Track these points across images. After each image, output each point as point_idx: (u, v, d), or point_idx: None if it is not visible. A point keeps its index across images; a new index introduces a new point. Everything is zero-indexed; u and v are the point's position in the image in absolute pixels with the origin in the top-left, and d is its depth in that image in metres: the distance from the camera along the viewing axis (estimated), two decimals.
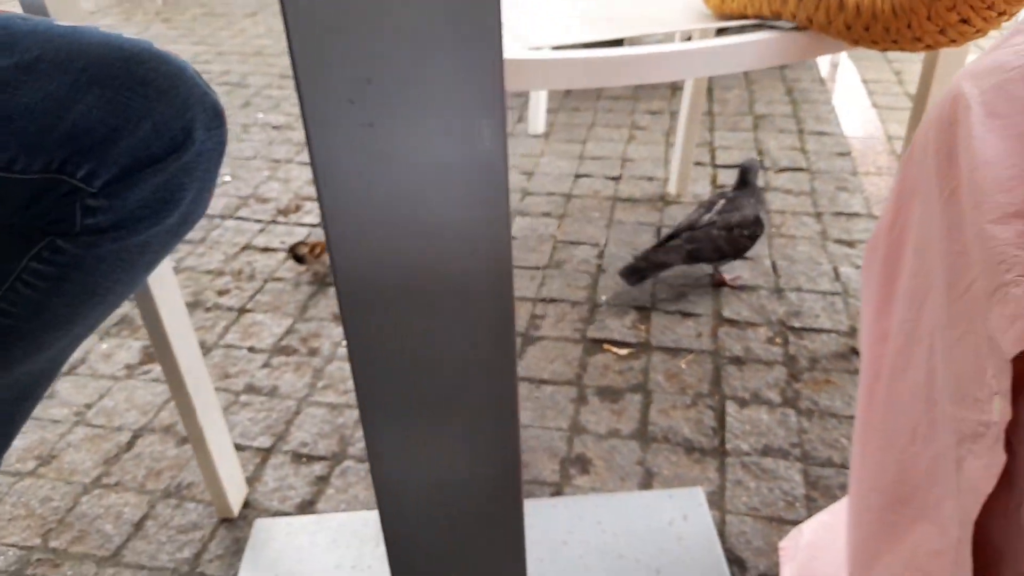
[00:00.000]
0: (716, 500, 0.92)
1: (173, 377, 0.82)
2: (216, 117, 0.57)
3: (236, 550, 0.88)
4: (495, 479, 0.46)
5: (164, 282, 0.77)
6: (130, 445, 1.04)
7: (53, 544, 0.90)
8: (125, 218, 0.54)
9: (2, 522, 0.93)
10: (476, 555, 0.50)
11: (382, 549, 0.86)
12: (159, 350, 0.81)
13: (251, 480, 0.98)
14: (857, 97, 2.08)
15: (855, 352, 1.14)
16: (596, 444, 1.01)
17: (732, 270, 1.34)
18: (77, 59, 0.50)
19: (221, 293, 1.35)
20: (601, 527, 0.87)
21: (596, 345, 1.19)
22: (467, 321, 0.40)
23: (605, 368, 1.14)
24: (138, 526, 0.92)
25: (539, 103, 1.93)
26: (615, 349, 1.18)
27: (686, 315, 1.25)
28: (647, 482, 0.95)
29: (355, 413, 1.08)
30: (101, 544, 0.90)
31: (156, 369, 1.17)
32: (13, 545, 0.90)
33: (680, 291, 1.31)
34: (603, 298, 1.30)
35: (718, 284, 1.31)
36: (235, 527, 0.91)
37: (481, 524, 0.48)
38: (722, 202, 1.29)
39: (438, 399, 0.43)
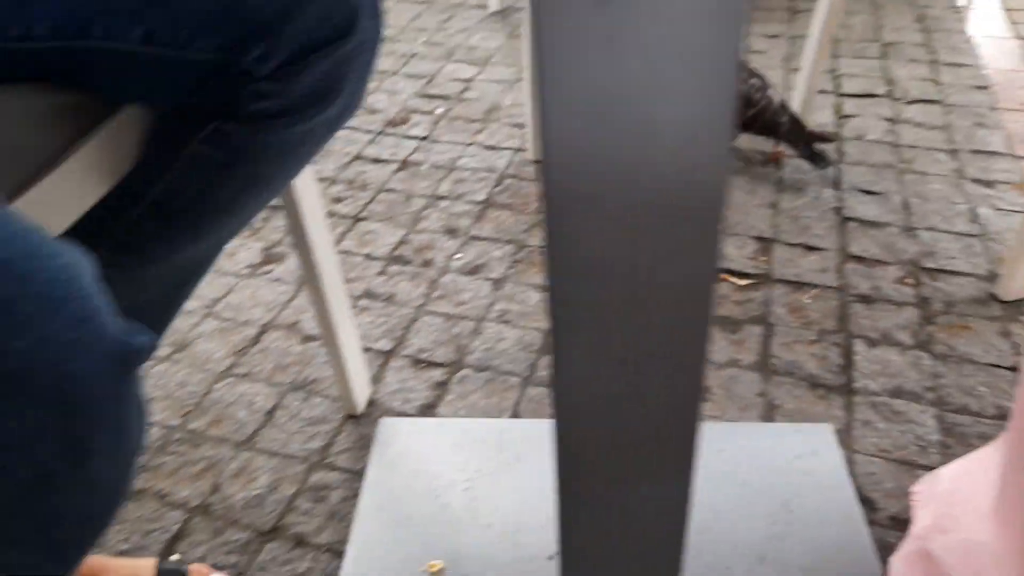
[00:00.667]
0: (843, 439, 0.90)
1: (308, 271, 0.84)
2: (376, 5, 0.55)
3: (362, 445, 0.92)
4: (677, 397, 0.45)
5: (303, 175, 0.77)
6: (257, 339, 1.07)
7: (192, 426, 0.95)
8: (291, 105, 0.54)
9: None
10: (646, 475, 0.49)
11: (505, 456, 0.88)
12: (297, 243, 0.82)
13: (373, 380, 1.00)
14: (997, 27, 1.92)
15: (995, 299, 1.08)
16: (715, 372, 1.00)
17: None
18: None
19: (336, 201, 1.36)
20: (722, 455, 0.87)
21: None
22: (673, 234, 0.38)
23: (723, 298, 1.12)
24: (269, 415, 0.96)
25: None
26: (734, 279, 1.15)
27: (810, 248, 1.20)
28: (768, 414, 0.94)
29: (470, 324, 1.09)
30: (236, 429, 0.94)
31: (276, 269, 1.20)
32: (156, 423, 0.95)
33: (804, 224, 1.25)
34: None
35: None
36: (360, 424, 0.95)
37: (655, 443, 0.47)
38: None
39: (634, 313, 0.42)
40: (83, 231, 0.50)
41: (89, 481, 0.29)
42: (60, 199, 0.47)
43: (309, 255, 0.82)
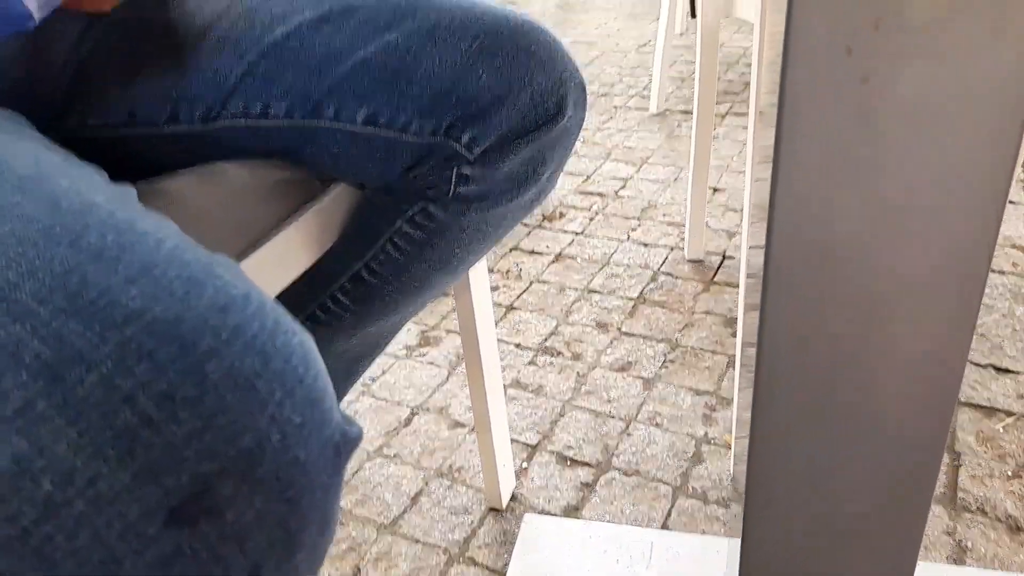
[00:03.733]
0: None
1: (469, 356, 0.84)
2: (582, 93, 0.56)
3: (504, 541, 0.89)
4: (898, 519, 0.40)
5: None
6: (408, 421, 1.09)
7: (340, 503, 0.96)
8: (491, 189, 0.55)
9: None
10: None
11: (656, 570, 0.82)
12: (463, 327, 0.83)
13: (518, 474, 0.98)
14: None
15: None
16: None
17: None
18: (471, 27, 0.52)
19: (492, 289, 1.39)
20: None
21: None
22: (919, 336, 0.35)
23: None
24: (414, 500, 0.96)
25: None
26: None
27: (1001, 370, 1.08)
28: (959, 557, 0.82)
29: (619, 424, 1.06)
30: (381, 511, 0.95)
31: (431, 352, 1.23)
32: None
33: (995, 342, 1.14)
34: None
35: None
36: (503, 518, 0.92)
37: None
38: None
39: (855, 415, 0.38)
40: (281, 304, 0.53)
41: None
42: (269, 270, 0.50)
43: (473, 340, 0.83)
